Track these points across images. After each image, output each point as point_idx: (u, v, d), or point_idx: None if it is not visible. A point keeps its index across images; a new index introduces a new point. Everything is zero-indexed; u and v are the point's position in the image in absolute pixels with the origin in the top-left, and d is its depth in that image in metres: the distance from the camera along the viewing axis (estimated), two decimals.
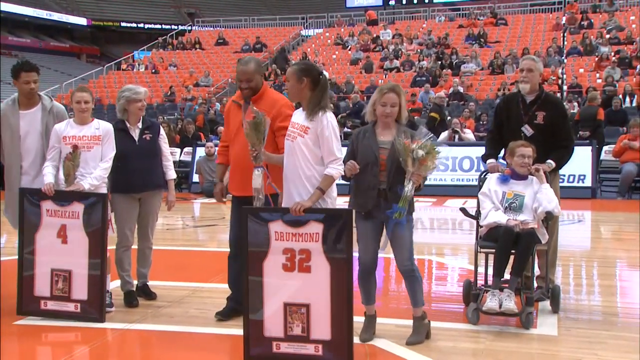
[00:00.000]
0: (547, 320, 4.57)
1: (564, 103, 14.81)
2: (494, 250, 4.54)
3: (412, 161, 3.83)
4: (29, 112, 5.02)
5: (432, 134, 4.05)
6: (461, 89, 18.06)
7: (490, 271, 4.64)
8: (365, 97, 18.23)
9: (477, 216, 4.80)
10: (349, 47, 24.26)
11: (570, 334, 4.31)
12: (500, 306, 4.31)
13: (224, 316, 4.64)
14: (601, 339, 4.25)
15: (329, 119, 3.88)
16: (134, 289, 5.14)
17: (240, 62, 4.53)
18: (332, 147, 3.84)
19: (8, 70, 5.40)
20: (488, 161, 4.93)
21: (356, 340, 3.97)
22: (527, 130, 4.79)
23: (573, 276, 6.18)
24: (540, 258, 4.87)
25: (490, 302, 4.34)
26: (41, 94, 5.16)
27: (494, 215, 4.57)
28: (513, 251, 4.47)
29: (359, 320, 4.09)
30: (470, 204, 4.86)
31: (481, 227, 4.70)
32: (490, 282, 4.61)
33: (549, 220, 4.62)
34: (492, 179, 4.72)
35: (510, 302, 4.31)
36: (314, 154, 3.87)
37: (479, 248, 4.66)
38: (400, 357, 3.94)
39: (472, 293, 4.55)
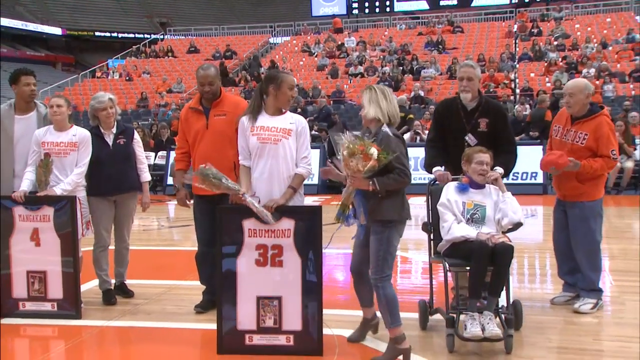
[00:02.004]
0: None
1: (517, 105, 15.39)
2: (466, 269, 4.08)
3: (343, 163, 3.64)
4: (24, 118, 5.06)
5: (359, 133, 3.66)
6: (422, 93, 18.61)
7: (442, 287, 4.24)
8: (331, 102, 18.54)
9: (431, 230, 4.39)
10: (315, 54, 24.59)
11: (524, 320, 4.40)
12: (484, 331, 3.83)
13: (203, 308, 4.83)
14: (553, 324, 4.48)
15: (305, 121, 4.18)
16: (112, 287, 5.26)
17: (202, 68, 4.77)
18: (307, 147, 4.11)
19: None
20: (434, 169, 4.55)
21: (326, 331, 4.11)
22: (471, 139, 4.52)
23: (527, 266, 6.47)
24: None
25: (472, 327, 3.83)
26: (37, 101, 5.21)
27: (460, 229, 4.10)
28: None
29: (328, 312, 4.20)
30: None
31: (434, 240, 4.34)
32: (452, 300, 4.25)
33: (514, 231, 4.25)
34: (450, 188, 4.28)
35: (494, 326, 3.84)
36: (294, 154, 4.08)
37: (448, 267, 4.10)
38: (370, 347, 4.07)
39: (446, 318, 3.99)
